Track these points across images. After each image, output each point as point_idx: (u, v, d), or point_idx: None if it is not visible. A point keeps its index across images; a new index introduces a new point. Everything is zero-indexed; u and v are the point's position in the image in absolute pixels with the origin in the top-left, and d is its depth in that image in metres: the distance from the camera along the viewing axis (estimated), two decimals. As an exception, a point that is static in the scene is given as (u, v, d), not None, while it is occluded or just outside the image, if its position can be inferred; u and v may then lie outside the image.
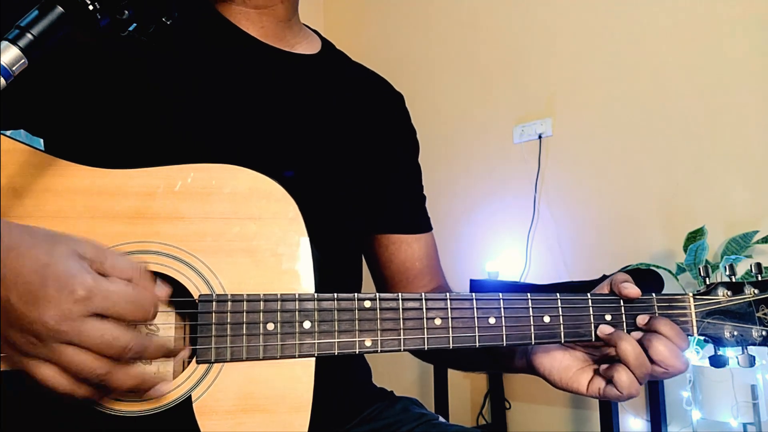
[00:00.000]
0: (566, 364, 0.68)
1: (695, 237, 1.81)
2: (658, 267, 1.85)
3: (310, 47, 0.83)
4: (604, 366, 0.66)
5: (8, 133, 0.59)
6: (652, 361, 0.62)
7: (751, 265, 0.65)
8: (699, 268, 0.66)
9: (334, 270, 0.78)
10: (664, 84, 2.08)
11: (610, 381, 0.63)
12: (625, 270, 1.82)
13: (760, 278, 0.66)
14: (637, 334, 0.65)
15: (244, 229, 0.59)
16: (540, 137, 2.35)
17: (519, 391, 2.35)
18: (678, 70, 2.06)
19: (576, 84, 2.30)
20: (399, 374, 2.60)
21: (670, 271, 1.85)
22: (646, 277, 1.79)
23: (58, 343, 0.46)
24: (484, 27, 2.59)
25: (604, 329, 0.64)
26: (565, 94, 2.33)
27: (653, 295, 0.65)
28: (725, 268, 0.66)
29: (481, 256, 2.44)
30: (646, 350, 0.62)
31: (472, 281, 2.24)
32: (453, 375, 2.27)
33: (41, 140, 0.72)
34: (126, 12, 0.51)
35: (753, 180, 1.90)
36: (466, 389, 2.49)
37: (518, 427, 2.34)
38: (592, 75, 2.26)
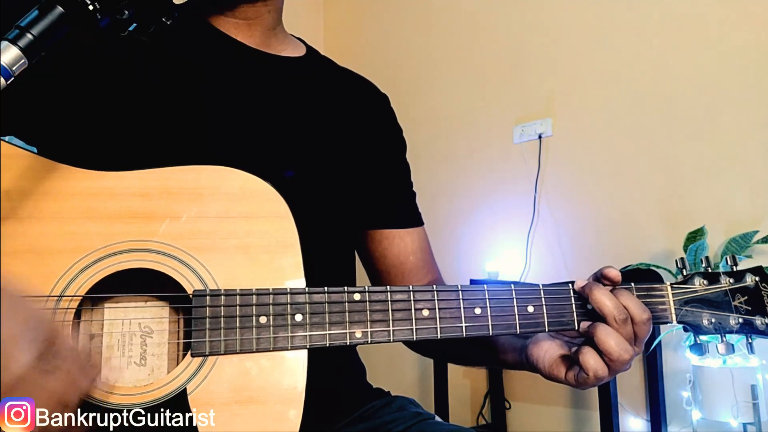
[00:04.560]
0: (551, 353, 0.69)
1: (695, 237, 1.81)
2: (658, 267, 1.85)
3: (295, 52, 0.86)
4: (574, 349, 0.67)
5: (6, 138, 0.61)
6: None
7: (726, 257, 0.66)
8: (675, 260, 0.68)
9: (333, 266, 0.79)
10: (664, 84, 2.09)
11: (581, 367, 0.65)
12: (625, 270, 1.82)
13: (734, 269, 0.68)
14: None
15: (236, 228, 0.61)
16: (540, 137, 2.35)
17: (519, 391, 2.35)
18: (678, 70, 2.06)
19: (576, 84, 2.30)
20: (399, 374, 2.61)
21: (670, 271, 1.85)
22: (646, 277, 1.79)
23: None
24: (484, 27, 2.59)
25: (584, 324, 0.66)
26: (565, 94, 2.33)
27: (632, 284, 0.68)
28: (702, 260, 0.68)
29: (481, 256, 2.44)
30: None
31: (472, 281, 2.25)
32: (453, 375, 2.28)
33: (35, 148, 0.74)
34: (126, 12, 0.52)
35: (753, 180, 1.90)
36: (466, 389, 2.50)
37: (518, 427, 2.34)
38: (592, 75, 2.26)
